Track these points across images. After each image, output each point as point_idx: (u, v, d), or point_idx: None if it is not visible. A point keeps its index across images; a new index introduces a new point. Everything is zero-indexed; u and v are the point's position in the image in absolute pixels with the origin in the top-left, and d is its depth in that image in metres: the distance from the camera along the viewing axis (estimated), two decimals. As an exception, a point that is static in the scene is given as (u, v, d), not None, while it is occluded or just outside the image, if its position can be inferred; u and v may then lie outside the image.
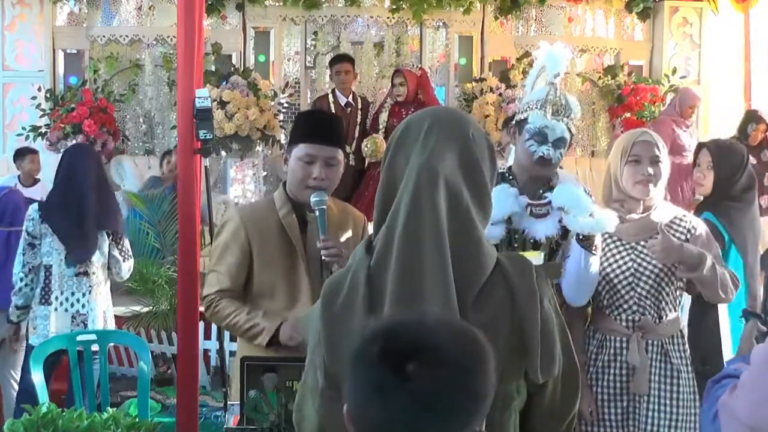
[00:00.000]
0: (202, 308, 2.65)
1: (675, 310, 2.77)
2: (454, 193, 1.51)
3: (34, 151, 6.64)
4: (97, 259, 4.11)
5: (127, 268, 4.25)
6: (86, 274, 4.06)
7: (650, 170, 2.69)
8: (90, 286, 4.07)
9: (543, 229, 2.66)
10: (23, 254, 4.00)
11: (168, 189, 6.37)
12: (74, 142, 6.97)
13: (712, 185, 3.41)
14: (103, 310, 4.15)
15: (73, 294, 4.04)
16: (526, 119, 2.70)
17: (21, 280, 4.01)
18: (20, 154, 6.58)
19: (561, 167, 2.82)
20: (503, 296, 1.50)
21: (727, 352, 3.04)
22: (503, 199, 2.60)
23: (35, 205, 4.09)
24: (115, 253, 4.18)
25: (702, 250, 2.65)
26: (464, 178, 1.54)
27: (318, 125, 2.65)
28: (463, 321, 1.34)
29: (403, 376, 1.11)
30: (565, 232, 2.73)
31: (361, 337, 1.19)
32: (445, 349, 1.14)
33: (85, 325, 4.03)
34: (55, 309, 4.02)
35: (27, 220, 4.02)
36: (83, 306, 4.05)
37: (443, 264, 1.46)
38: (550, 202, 2.67)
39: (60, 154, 4.55)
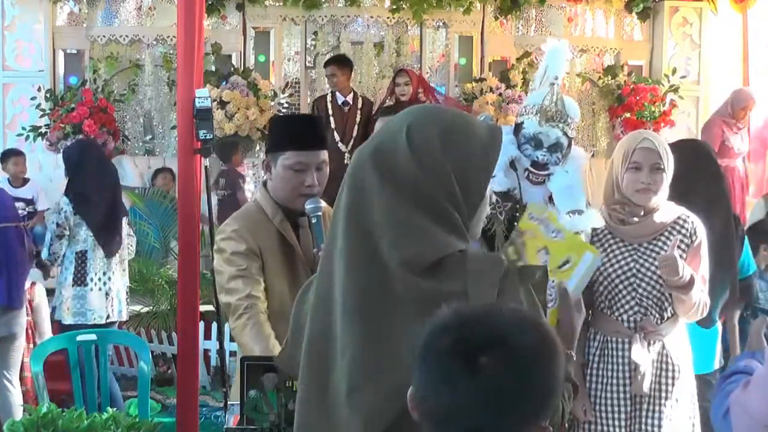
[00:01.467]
0: (230, 317, 2.45)
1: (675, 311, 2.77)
2: (364, 181, 1.47)
3: (19, 153, 6.65)
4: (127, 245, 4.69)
5: (134, 245, 4.87)
6: (115, 256, 4.56)
7: (650, 178, 2.67)
8: (115, 265, 4.57)
9: (531, 196, 2.68)
10: (51, 244, 4.45)
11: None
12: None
13: None
14: (124, 287, 4.66)
15: (104, 274, 4.51)
16: (522, 124, 2.73)
17: (49, 256, 4.48)
18: (4, 157, 6.58)
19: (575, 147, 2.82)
20: (458, 292, 1.41)
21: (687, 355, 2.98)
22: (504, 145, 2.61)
23: (65, 199, 4.47)
24: (131, 231, 4.81)
25: (694, 275, 2.62)
26: (378, 168, 1.46)
27: (305, 131, 2.55)
28: (536, 315, 1.31)
29: (475, 368, 1.11)
30: None
31: (431, 326, 1.18)
32: (517, 343, 1.13)
33: (116, 301, 4.56)
34: (91, 289, 4.47)
35: (57, 212, 4.44)
36: (114, 283, 4.55)
37: (347, 267, 1.45)
38: (549, 173, 2.68)
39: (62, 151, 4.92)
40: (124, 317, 4.71)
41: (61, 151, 5.00)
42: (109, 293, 4.51)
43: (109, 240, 4.50)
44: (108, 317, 4.51)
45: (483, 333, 1.14)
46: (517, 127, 2.77)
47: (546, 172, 2.69)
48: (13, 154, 6.61)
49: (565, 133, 2.70)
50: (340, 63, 6.82)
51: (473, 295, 1.41)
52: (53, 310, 4.54)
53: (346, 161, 6.57)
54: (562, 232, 1.94)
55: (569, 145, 2.74)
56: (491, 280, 1.43)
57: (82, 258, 4.46)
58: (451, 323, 1.17)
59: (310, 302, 1.54)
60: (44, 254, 4.46)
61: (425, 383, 1.17)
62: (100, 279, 4.49)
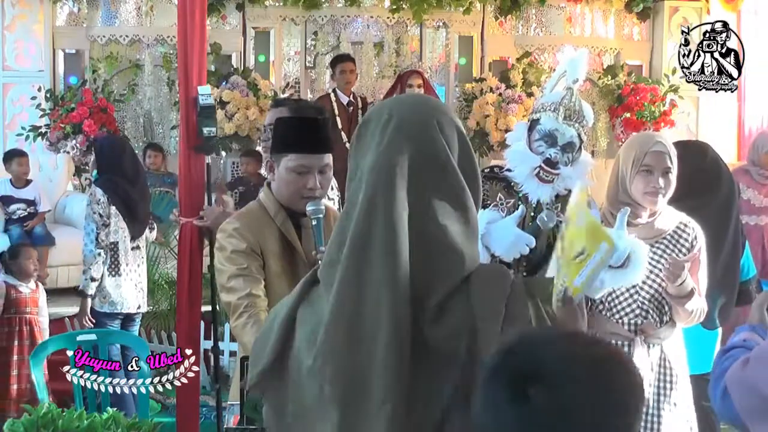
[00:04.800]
0: (230, 316, 2.45)
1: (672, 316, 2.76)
2: (420, 194, 1.34)
3: (22, 154, 6.63)
4: (146, 236, 4.81)
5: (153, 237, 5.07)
6: (139, 248, 4.72)
7: (661, 182, 2.67)
8: (142, 257, 4.77)
9: (540, 193, 2.70)
10: (97, 234, 4.49)
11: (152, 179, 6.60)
12: (74, 142, 6.97)
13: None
14: (145, 279, 4.82)
15: (131, 265, 4.64)
16: (538, 120, 2.73)
17: (99, 255, 4.48)
18: (7, 157, 6.57)
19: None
20: (464, 313, 1.30)
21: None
22: (525, 155, 2.69)
23: (99, 190, 4.57)
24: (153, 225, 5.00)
25: (695, 288, 2.62)
26: (426, 172, 1.35)
27: (309, 133, 2.51)
28: (609, 347, 1.16)
29: (523, 397, 1.05)
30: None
31: (495, 350, 1.13)
32: (570, 377, 1.05)
33: (142, 291, 4.73)
34: (124, 279, 4.60)
35: (95, 203, 4.52)
36: (139, 276, 4.70)
37: (394, 271, 1.29)
38: (560, 173, 2.70)
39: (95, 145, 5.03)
40: (146, 308, 4.89)
41: (93, 144, 5.14)
42: (137, 285, 4.67)
43: (134, 229, 4.65)
44: (139, 307, 4.70)
45: (533, 361, 1.08)
46: (532, 124, 2.78)
47: (557, 171, 2.70)
48: (17, 154, 6.59)
49: (579, 135, 2.72)
50: (354, 61, 6.84)
51: (481, 325, 1.30)
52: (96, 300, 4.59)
53: (352, 161, 6.57)
54: (585, 217, 1.72)
55: (580, 148, 2.75)
56: (498, 299, 1.32)
57: (114, 248, 4.56)
58: (504, 349, 1.12)
59: (329, 329, 1.33)
60: (89, 249, 4.49)
61: (478, 403, 1.12)
62: (133, 270, 4.64)
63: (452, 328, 1.30)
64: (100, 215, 4.51)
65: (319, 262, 2.37)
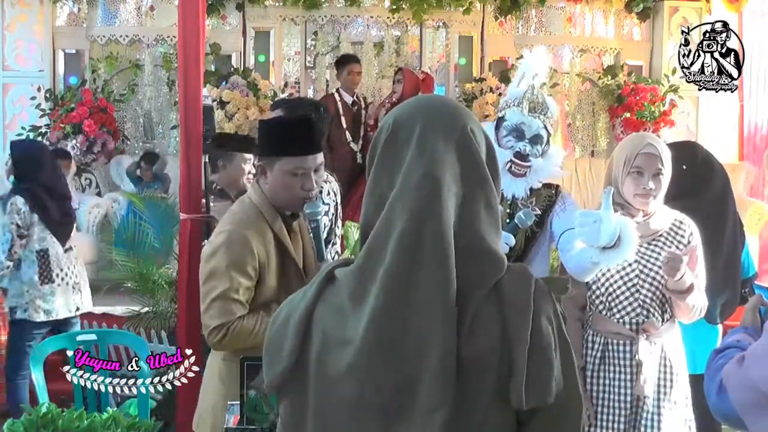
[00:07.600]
0: (212, 338, 2.41)
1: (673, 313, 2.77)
2: (460, 205, 1.33)
3: (66, 155, 6.66)
4: (75, 234, 4.76)
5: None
6: (71, 248, 4.64)
7: (651, 184, 2.68)
8: (76, 257, 4.68)
9: (514, 188, 2.75)
10: (11, 245, 4.40)
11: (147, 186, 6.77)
12: (74, 142, 6.98)
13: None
14: (86, 277, 4.77)
15: (68, 268, 4.58)
16: (504, 117, 2.81)
17: (7, 268, 4.42)
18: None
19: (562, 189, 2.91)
20: (496, 314, 1.32)
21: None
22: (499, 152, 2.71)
23: (20, 199, 4.43)
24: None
25: (695, 282, 2.64)
26: (469, 185, 1.35)
27: (304, 135, 2.48)
28: None
29: None
30: (540, 220, 2.79)
31: None
32: None
33: (81, 293, 4.65)
34: (58, 285, 4.52)
35: (14, 213, 4.41)
36: (76, 276, 4.63)
37: (444, 280, 1.29)
38: (531, 165, 2.76)
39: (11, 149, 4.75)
40: (91, 307, 4.83)
41: (10, 148, 4.75)
42: (76, 286, 4.60)
43: (63, 233, 4.57)
44: (77, 309, 4.62)
45: None
46: (498, 122, 2.85)
47: (528, 164, 2.77)
48: (62, 155, 6.63)
49: (545, 126, 2.79)
50: (360, 62, 6.85)
51: (513, 326, 1.31)
52: (21, 309, 4.47)
53: (358, 161, 6.57)
54: None
55: (548, 141, 2.82)
56: (526, 298, 1.33)
57: (44, 256, 4.48)
58: None
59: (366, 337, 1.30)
60: (1, 257, 4.40)
61: None
62: (66, 275, 4.55)
63: (487, 334, 1.31)
64: (18, 225, 4.39)
65: (320, 263, 2.40)
